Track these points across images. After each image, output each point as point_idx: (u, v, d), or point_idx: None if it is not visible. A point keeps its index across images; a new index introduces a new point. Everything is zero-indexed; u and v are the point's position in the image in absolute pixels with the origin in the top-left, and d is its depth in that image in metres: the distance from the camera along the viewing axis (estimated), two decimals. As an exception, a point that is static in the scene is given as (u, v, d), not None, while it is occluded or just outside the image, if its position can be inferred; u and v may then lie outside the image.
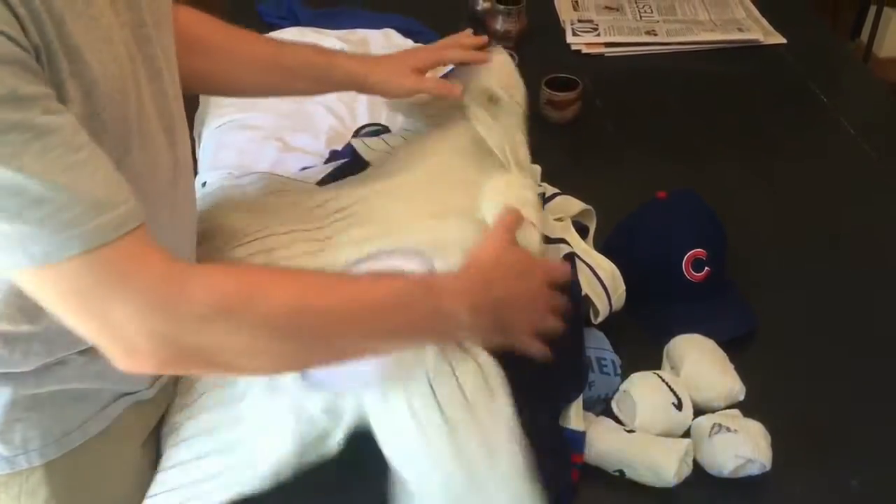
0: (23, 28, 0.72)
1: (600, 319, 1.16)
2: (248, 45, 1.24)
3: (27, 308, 0.85)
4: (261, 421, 1.01)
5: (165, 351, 0.80)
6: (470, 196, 1.14)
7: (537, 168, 1.41)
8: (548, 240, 1.24)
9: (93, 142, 0.78)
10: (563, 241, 1.23)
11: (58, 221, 0.73)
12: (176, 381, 1.12)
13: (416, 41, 1.83)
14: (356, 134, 1.54)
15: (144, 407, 1.07)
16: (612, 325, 1.17)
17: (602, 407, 1.11)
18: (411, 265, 0.98)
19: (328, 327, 0.87)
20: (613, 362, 1.12)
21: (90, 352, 0.93)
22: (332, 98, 1.64)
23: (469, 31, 1.38)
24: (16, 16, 0.71)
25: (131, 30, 0.89)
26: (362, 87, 1.27)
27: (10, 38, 0.70)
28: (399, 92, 1.27)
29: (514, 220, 1.06)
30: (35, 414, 0.96)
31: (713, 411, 1.09)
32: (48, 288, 0.77)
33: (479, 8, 1.95)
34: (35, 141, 0.71)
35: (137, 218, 0.78)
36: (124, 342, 0.79)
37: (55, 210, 0.72)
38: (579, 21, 2.00)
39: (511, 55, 1.68)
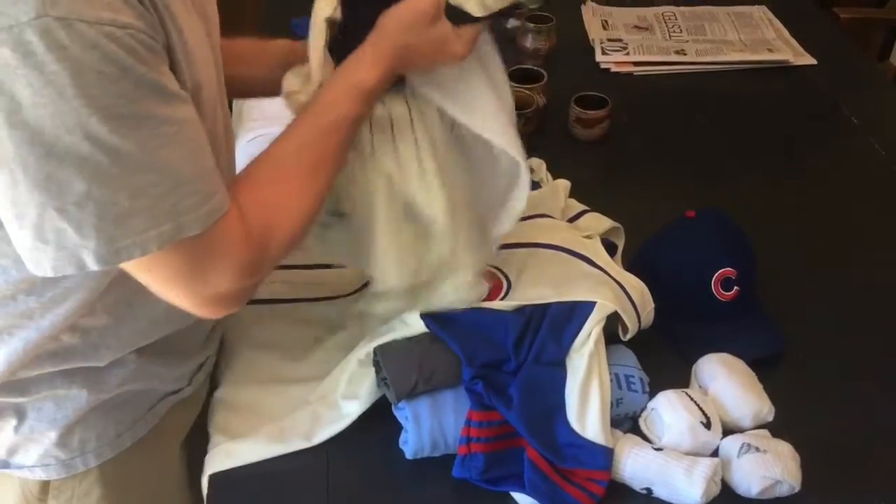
0: (155, 29, 0.77)
1: (629, 336, 1.16)
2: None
3: (111, 302, 0.93)
4: None
5: (245, 298, 0.93)
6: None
7: (566, 183, 1.41)
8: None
9: (203, 130, 0.85)
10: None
11: (184, 205, 0.80)
12: (209, 379, 1.16)
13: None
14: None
15: (183, 407, 1.10)
16: (641, 343, 1.17)
17: (630, 424, 1.11)
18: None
19: (330, 177, 0.98)
20: (642, 380, 1.12)
21: (146, 350, 1.00)
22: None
23: None
24: (149, 16, 0.76)
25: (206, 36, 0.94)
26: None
27: (152, 37, 0.76)
28: None
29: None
30: (92, 416, 1.00)
31: (742, 431, 1.08)
32: (159, 265, 0.83)
33: (508, 26, 1.96)
34: (177, 134, 0.79)
35: (229, 200, 0.87)
36: (220, 300, 0.90)
37: (183, 195, 0.80)
38: (609, 40, 2.01)
39: (541, 73, 1.70)
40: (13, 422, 0.97)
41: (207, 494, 1.05)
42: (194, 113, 0.83)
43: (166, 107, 0.78)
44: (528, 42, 1.86)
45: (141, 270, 0.84)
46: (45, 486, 1.02)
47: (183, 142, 0.80)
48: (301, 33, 2.04)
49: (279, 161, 0.96)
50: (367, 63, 0.97)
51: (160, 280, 0.86)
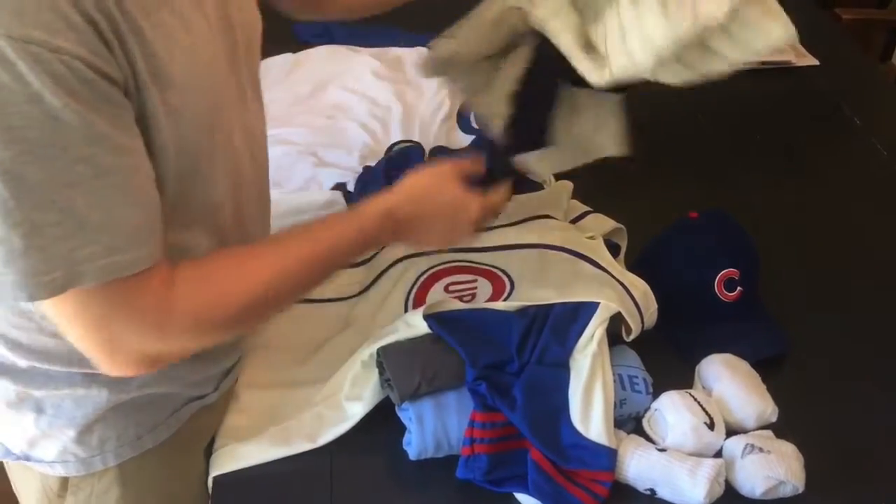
0: (112, 55, 0.73)
1: (632, 337, 1.16)
2: None
3: None
4: None
5: (152, 363, 0.88)
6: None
7: (569, 185, 1.41)
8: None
9: (146, 183, 0.81)
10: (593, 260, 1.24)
11: (81, 254, 0.75)
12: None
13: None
14: (389, 150, 1.55)
15: (208, 413, 1.09)
16: (644, 344, 1.17)
17: (633, 425, 1.11)
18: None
19: (287, 297, 0.97)
20: (645, 381, 1.12)
21: None
22: (365, 115, 1.66)
23: None
24: (105, 42, 0.73)
25: (224, 53, 0.91)
26: None
27: (94, 68, 0.72)
28: None
29: (472, 169, 1.06)
30: (112, 416, 0.99)
31: (745, 432, 1.08)
32: (60, 308, 0.80)
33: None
34: (94, 179, 0.74)
35: (149, 262, 0.81)
36: (117, 356, 0.85)
37: (83, 243, 0.75)
38: (610, 41, 2.00)
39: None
40: (32, 415, 0.97)
41: (212, 496, 1.06)
42: (132, 163, 0.78)
43: (88, 148, 0.73)
44: (530, 43, 1.86)
45: (41, 306, 0.81)
46: (64, 482, 1.02)
47: (99, 189, 0.74)
48: (302, 37, 2.05)
49: (251, 249, 0.95)
50: (374, 198, 1.01)
51: (61, 321, 0.82)
